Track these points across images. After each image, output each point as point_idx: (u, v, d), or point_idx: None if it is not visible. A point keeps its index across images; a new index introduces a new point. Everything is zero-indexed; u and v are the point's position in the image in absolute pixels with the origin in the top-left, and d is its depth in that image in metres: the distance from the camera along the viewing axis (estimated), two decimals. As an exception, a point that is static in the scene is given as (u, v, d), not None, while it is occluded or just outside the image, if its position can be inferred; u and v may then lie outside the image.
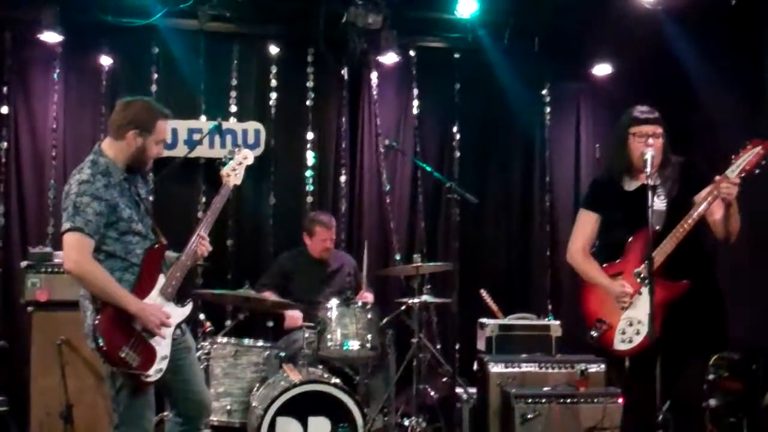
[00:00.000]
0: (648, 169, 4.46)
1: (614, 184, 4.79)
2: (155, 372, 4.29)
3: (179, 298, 4.51)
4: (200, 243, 4.59)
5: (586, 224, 4.91)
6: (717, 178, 4.42)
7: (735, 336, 4.87)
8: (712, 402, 5.91)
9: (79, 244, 4.17)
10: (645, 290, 4.47)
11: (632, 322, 4.57)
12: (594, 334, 4.71)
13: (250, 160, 5.02)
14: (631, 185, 4.74)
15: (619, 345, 4.63)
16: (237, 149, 5.07)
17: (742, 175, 4.37)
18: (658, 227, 4.54)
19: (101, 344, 4.15)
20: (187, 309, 4.53)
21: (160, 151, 4.54)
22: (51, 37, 7.22)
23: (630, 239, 4.62)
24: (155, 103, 4.59)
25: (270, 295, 6.43)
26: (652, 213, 4.44)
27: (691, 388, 4.67)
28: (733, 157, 4.41)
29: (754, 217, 4.51)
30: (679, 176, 4.66)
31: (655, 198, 4.57)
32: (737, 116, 7.02)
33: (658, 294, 4.44)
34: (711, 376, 5.97)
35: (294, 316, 6.75)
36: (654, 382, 4.43)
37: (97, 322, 4.17)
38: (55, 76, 7.47)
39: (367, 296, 6.79)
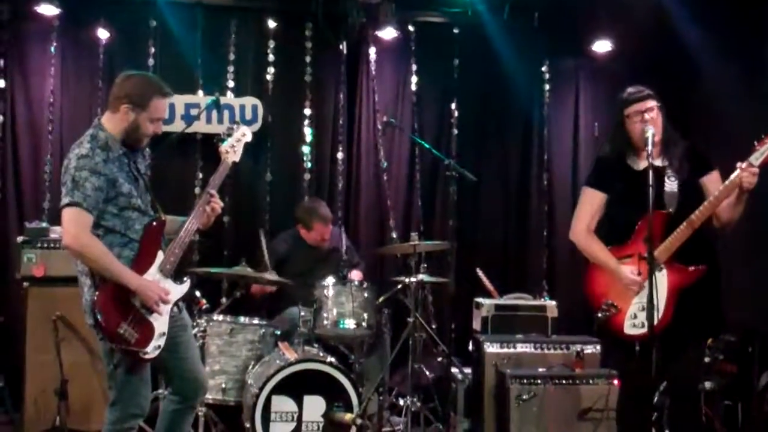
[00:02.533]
0: (650, 147, 4.43)
1: (621, 162, 4.76)
2: (153, 349, 4.30)
3: (177, 275, 4.51)
4: (212, 201, 4.57)
5: (592, 203, 4.87)
6: (740, 164, 4.39)
7: (731, 318, 4.88)
8: (708, 384, 5.91)
9: (78, 218, 4.16)
10: (658, 274, 4.43)
11: (644, 307, 4.55)
12: (600, 315, 4.69)
13: (248, 138, 4.98)
14: (638, 165, 4.71)
15: (631, 329, 4.62)
16: (236, 126, 5.03)
17: (766, 163, 4.35)
18: (671, 209, 4.52)
19: (99, 320, 4.15)
20: (185, 286, 4.54)
21: (156, 129, 4.49)
22: (48, 9, 7.17)
23: (640, 221, 4.58)
24: (156, 79, 4.55)
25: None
26: (661, 194, 4.43)
27: (690, 372, 4.68)
28: (756, 143, 4.38)
29: (752, 198, 4.48)
30: (686, 157, 4.64)
31: (666, 179, 4.57)
32: (739, 96, 6.97)
33: (673, 279, 4.45)
34: (707, 359, 5.96)
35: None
36: (658, 367, 4.44)
37: (95, 298, 4.18)
38: (52, 49, 7.42)
39: (357, 274, 6.77)
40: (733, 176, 4.43)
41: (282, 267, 6.79)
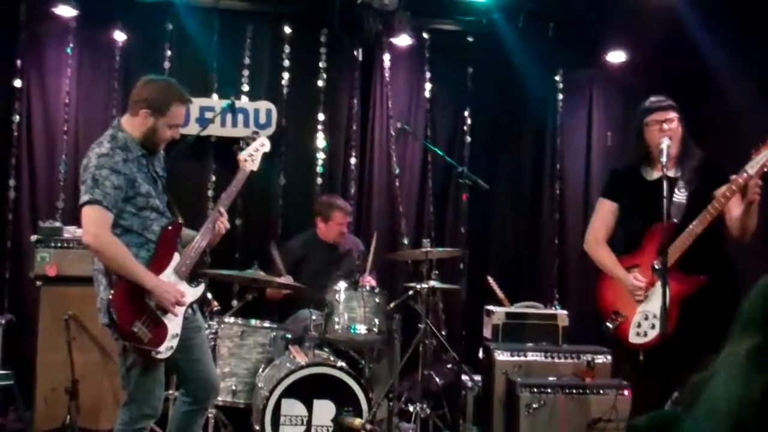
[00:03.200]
0: (663, 159, 4.43)
1: (635, 173, 4.77)
2: (166, 349, 4.32)
3: (191, 278, 4.53)
4: (219, 220, 4.59)
5: (604, 213, 4.90)
6: (733, 177, 4.40)
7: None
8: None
9: (98, 216, 4.19)
10: (660, 283, 4.43)
11: (647, 316, 4.58)
12: (609, 325, 4.70)
13: (267, 148, 5.06)
14: (651, 175, 4.72)
15: (634, 338, 4.63)
16: (256, 135, 5.07)
17: (765, 170, 4.33)
18: (676, 220, 4.52)
19: (114, 317, 4.17)
20: (200, 289, 4.58)
21: (174, 134, 4.54)
22: (65, 11, 7.21)
23: (648, 231, 4.59)
24: (177, 86, 4.57)
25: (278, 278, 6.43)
26: (670, 204, 4.43)
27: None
28: (753, 151, 4.38)
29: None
30: (700, 169, 4.63)
31: (676, 190, 4.56)
32: (754, 107, 6.95)
33: (674, 288, 4.43)
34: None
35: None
36: (665, 377, 4.44)
37: (110, 296, 4.20)
38: (69, 50, 7.45)
39: (370, 280, 6.79)
40: (723, 187, 4.44)
41: (297, 268, 6.81)
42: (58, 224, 6.53)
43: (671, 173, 4.56)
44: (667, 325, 4.37)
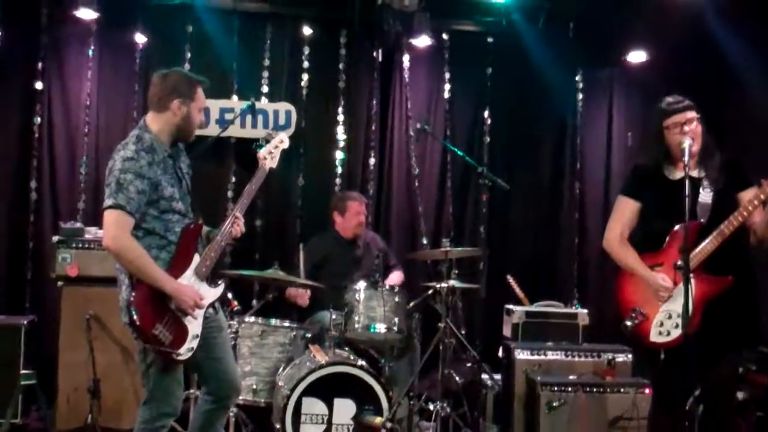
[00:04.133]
0: (686, 158, 4.40)
1: (657, 172, 4.74)
2: (186, 351, 4.32)
3: (211, 278, 4.53)
4: (236, 223, 4.60)
5: (626, 212, 4.85)
6: (764, 181, 4.37)
7: (766, 330, 4.83)
8: (740, 395, 5.85)
9: (119, 221, 4.20)
10: None
11: (671, 315, 4.54)
12: (628, 323, 4.67)
13: (285, 144, 5.04)
14: (674, 174, 4.69)
15: (656, 337, 4.60)
16: (274, 132, 5.08)
17: None
18: (703, 220, 4.50)
19: (135, 319, 4.18)
20: (219, 289, 4.58)
21: (202, 119, 4.59)
22: (86, 13, 7.23)
23: (672, 230, 4.58)
24: (188, 72, 4.64)
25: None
26: (695, 204, 4.41)
27: (724, 382, 4.63)
28: None
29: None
30: (723, 170, 4.61)
31: (701, 190, 4.54)
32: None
33: (700, 288, 4.41)
34: (739, 370, 5.91)
35: (303, 294, 6.77)
36: (686, 376, 4.42)
37: (132, 297, 4.21)
38: (90, 53, 7.51)
39: (398, 276, 6.76)
40: (750, 192, 4.43)
41: (318, 271, 6.81)
42: (79, 225, 6.57)
43: (694, 173, 4.54)
44: (691, 324, 4.33)
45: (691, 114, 4.61)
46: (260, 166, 4.88)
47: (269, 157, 4.92)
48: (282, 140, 5.02)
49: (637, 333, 4.67)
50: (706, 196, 4.56)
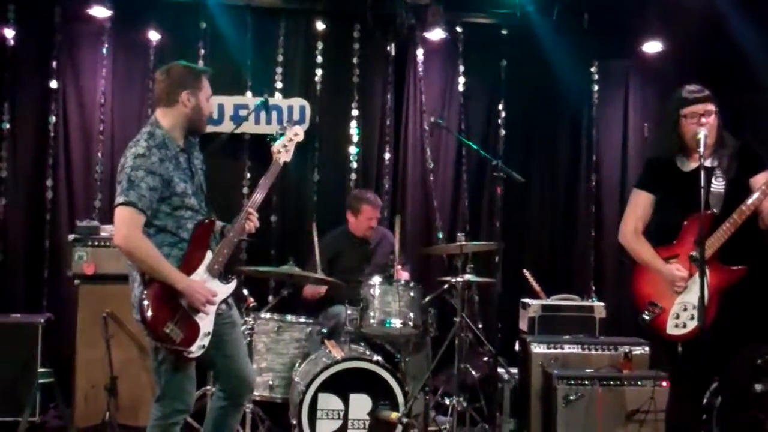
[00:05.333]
0: (701, 149, 4.37)
1: (670, 164, 4.71)
2: (197, 348, 4.32)
3: (224, 274, 4.52)
4: (249, 218, 4.59)
5: (640, 204, 4.83)
6: None
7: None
8: (758, 387, 5.82)
9: (131, 218, 4.19)
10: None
11: (686, 307, 4.53)
12: (646, 317, 4.65)
13: (300, 137, 5.00)
14: (687, 166, 4.66)
15: (673, 330, 4.58)
16: (288, 125, 5.05)
17: None
18: (716, 210, 4.47)
19: (147, 317, 4.18)
20: (232, 286, 4.55)
21: (211, 108, 4.59)
22: (100, 11, 7.25)
23: (686, 222, 4.55)
24: (189, 63, 4.61)
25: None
26: (709, 195, 4.38)
27: (741, 373, 4.61)
28: None
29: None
30: (736, 158, 4.57)
31: (713, 180, 4.51)
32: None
33: (714, 279, 4.39)
34: (758, 361, 5.88)
35: (317, 288, 6.77)
36: (704, 368, 4.40)
37: (144, 295, 4.20)
38: (104, 50, 7.51)
39: (402, 273, 6.77)
40: (763, 175, 4.40)
41: (332, 265, 6.83)
42: (95, 223, 6.61)
43: (707, 163, 4.49)
44: (707, 316, 4.30)
45: (711, 106, 4.58)
46: (274, 159, 4.84)
47: (283, 150, 4.87)
48: (296, 133, 4.97)
49: (654, 326, 4.65)
50: (718, 185, 4.54)
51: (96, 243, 6.40)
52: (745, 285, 4.48)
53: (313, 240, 6.66)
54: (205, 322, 4.36)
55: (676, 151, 4.70)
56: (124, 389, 6.17)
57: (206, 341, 4.35)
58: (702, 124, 4.51)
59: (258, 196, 4.67)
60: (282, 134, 4.95)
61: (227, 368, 4.61)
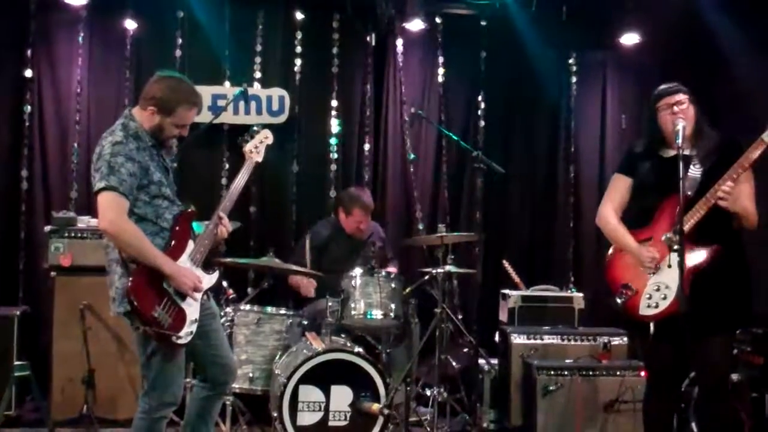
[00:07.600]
0: (680, 140, 4.42)
1: (651, 151, 4.78)
2: (186, 335, 4.32)
3: (206, 266, 4.53)
4: (219, 224, 4.60)
5: (618, 188, 4.92)
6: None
7: (758, 310, 4.83)
8: (734, 376, 5.86)
9: (115, 203, 4.18)
10: (673, 255, 4.45)
11: (659, 287, 4.57)
12: (619, 300, 4.70)
13: (270, 140, 5.09)
14: (667, 153, 4.72)
15: (645, 310, 4.62)
16: (257, 129, 5.15)
17: None
18: (690, 193, 4.51)
19: (135, 304, 4.15)
20: (215, 276, 4.59)
21: (182, 133, 4.55)
22: (75, 0, 7.17)
23: (660, 204, 4.59)
24: (188, 87, 4.53)
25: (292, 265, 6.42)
26: (685, 181, 4.41)
27: (717, 362, 4.62)
28: None
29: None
30: (716, 149, 4.63)
31: (691, 166, 4.58)
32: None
33: (687, 260, 4.41)
34: (734, 351, 5.92)
35: (308, 285, 6.76)
36: (677, 351, 4.45)
37: (129, 283, 4.18)
38: (80, 39, 7.44)
39: (391, 268, 6.77)
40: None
41: (320, 255, 6.82)
42: (71, 214, 6.56)
43: (686, 152, 4.54)
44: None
45: (681, 96, 4.68)
46: (247, 158, 4.93)
47: (255, 151, 4.97)
48: (267, 136, 5.07)
49: (627, 308, 4.69)
50: (695, 171, 4.60)
51: (72, 234, 6.35)
52: (719, 271, 4.51)
53: (305, 248, 6.64)
54: (192, 309, 4.36)
55: (658, 143, 4.76)
56: (101, 382, 6.12)
57: (194, 328, 4.36)
58: (675, 113, 4.59)
59: (232, 197, 4.71)
60: (252, 136, 5.05)
61: (212, 357, 4.61)
